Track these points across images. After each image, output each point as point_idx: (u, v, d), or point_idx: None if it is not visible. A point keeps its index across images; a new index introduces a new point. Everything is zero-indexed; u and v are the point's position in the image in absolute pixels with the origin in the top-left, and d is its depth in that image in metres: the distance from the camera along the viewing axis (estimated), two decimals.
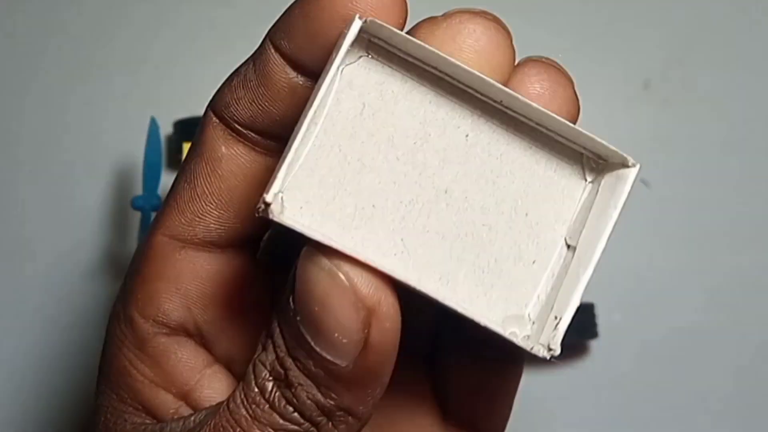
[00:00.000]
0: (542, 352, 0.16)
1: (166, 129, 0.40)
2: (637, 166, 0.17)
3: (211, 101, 0.20)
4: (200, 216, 0.19)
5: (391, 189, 0.17)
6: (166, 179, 0.36)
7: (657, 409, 0.41)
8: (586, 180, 0.17)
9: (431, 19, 0.17)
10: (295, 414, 0.16)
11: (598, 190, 0.17)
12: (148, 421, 0.19)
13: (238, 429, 0.16)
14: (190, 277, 0.19)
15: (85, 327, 0.41)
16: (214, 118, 0.19)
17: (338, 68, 0.16)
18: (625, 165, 0.17)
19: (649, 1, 0.44)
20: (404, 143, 0.17)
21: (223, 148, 0.19)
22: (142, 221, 0.35)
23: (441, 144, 0.17)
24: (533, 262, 0.17)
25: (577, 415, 0.40)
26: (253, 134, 0.19)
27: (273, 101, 0.18)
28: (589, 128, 0.17)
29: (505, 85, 0.17)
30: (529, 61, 0.18)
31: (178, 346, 0.20)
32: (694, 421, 0.41)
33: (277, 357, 0.16)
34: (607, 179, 0.17)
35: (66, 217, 0.42)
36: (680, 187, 0.42)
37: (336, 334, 0.15)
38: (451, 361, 0.21)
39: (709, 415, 0.41)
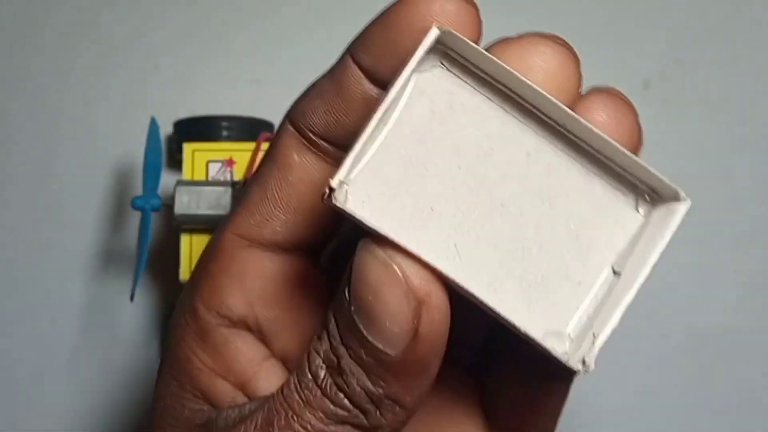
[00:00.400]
0: (578, 366, 0.17)
1: (166, 129, 0.40)
2: (688, 201, 0.17)
3: (288, 110, 0.21)
4: (268, 218, 0.20)
5: (450, 195, 0.17)
6: (166, 179, 0.36)
7: (657, 409, 0.41)
8: (639, 212, 0.18)
9: (505, 39, 0.18)
10: (346, 401, 0.17)
11: (649, 221, 0.18)
12: (205, 408, 0.20)
13: (290, 413, 0.17)
14: (254, 275, 0.20)
15: (86, 327, 0.41)
16: (290, 127, 0.20)
17: (411, 72, 0.17)
18: (676, 198, 0.18)
19: (649, 1, 0.44)
20: (468, 154, 0.17)
21: (295, 156, 0.20)
22: (142, 221, 0.35)
23: (503, 159, 0.17)
24: (579, 283, 0.18)
25: (577, 415, 0.40)
26: (325, 144, 0.20)
27: (347, 112, 0.19)
28: None
29: (572, 105, 0.18)
30: (595, 90, 0.19)
31: (238, 338, 0.20)
32: (695, 420, 0.41)
33: (331, 345, 0.17)
34: (659, 211, 0.18)
35: (66, 217, 0.42)
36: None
37: (387, 323, 0.16)
38: (501, 375, 0.22)
39: (709, 415, 0.41)
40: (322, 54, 0.43)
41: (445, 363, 0.20)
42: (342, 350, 0.17)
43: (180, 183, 0.35)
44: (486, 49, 0.18)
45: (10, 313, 0.41)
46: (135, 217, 0.38)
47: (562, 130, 0.18)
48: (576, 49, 0.18)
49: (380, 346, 0.16)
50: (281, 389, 0.18)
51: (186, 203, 0.35)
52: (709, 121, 0.43)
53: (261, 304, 0.20)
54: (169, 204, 0.35)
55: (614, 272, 0.18)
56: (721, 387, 0.41)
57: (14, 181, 0.42)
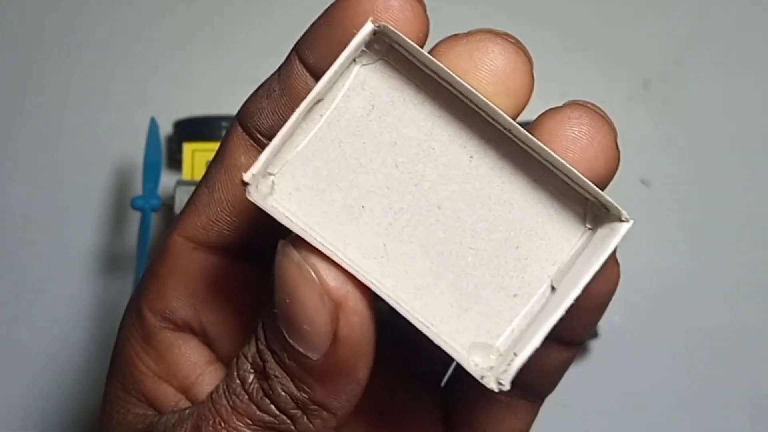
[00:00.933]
0: (492, 385, 0.16)
1: (166, 129, 0.40)
2: (631, 222, 0.16)
3: (238, 110, 0.20)
4: (215, 221, 0.19)
5: (383, 193, 0.17)
6: (166, 179, 0.36)
7: (657, 408, 0.41)
8: (586, 226, 0.17)
9: (454, 36, 0.18)
10: (272, 406, 0.16)
11: (592, 238, 0.17)
12: (149, 413, 0.20)
13: (218, 418, 0.17)
14: (199, 278, 0.20)
15: (85, 326, 0.41)
16: (239, 128, 0.20)
17: (342, 62, 0.16)
18: (619, 218, 0.16)
19: (649, 1, 0.44)
20: (406, 152, 0.17)
21: (242, 157, 0.19)
22: (142, 221, 0.35)
23: (443, 160, 0.17)
24: (514, 295, 0.17)
25: (577, 416, 0.40)
26: None
27: (293, 112, 0.18)
28: None
29: (521, 109, 0.17)
30: (572, 103, 0.18)
31: (182, 341, 0.20)
32: (695, 420, 0.41)
33: (258, 349, 0.17)
34: (602, 229, 0.17)
35: (66, 217, 0.42)
36: (680, 187, 0.42)
37: (305, 326, 0.15)
38: (465, 391, 0.21)
39: (708, 414, 0.41)
40: None
41: (411, 376, 0.20)
42: (267, 354, 0.16)
43: (180, 183, 0.35)
44: (436, 45, 0.18)
45: (11, 313, 0.41)
46: (135, 217, 0.38)
47: (508, 134, 0.17)
48: (529, 50, 0.17)
49: (301, 349, 0.16)
50: (211, 394, 0.18)
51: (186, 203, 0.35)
52: (709, 121, 0.43)
53: (206, 307, 0.20)
54: (169, 204, 0.35)
55: (552, 288, 0.17)
56: (723, 387, 0.41)
57: (15, 181, 0.42)
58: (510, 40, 0.17)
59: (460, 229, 0.17)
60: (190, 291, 0.20)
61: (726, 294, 0.42)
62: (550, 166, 0.17)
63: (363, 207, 0.16)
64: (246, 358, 0.17)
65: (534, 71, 0.17)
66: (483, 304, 0.17)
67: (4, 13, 0.43)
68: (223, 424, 0.17)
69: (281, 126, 0.16)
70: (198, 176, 0.36)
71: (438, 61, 0.16)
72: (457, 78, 0.16)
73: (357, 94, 0.17)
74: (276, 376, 0.16)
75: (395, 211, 0.17)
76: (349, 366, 0.16)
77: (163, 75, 0.43)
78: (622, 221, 0.16)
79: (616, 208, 0.16)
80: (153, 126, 0.36)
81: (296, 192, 0.16)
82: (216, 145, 0.36)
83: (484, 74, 0.17)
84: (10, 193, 0.42)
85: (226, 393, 0.17)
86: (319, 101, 0.17)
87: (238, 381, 0.17)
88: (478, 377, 0.16)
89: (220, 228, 0.19)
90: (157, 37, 0.43)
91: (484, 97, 0.16)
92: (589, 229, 0.17)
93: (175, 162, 0.40)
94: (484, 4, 0.43)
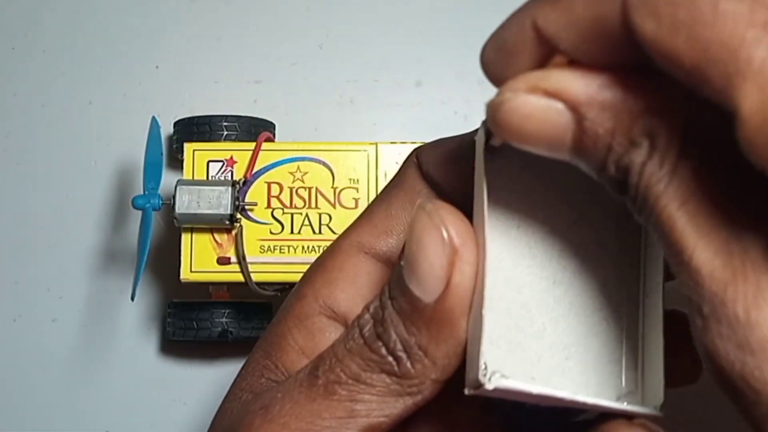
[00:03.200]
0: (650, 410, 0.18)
1: (166, 129, 0.40)
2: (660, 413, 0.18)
3: (418, 147, 0.22)
4: (388, 232, 0.22)
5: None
6: (167, 179, 0.37)
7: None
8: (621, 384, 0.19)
9: None
10: (383, 348, 0.18)
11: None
12: (282, 380, 0.21)
13: (334, 359, 0.19)
14: (366, 279, 0.22)
15: (86, 326, 0.41)
16: (415, 159, 0.22)
17: None
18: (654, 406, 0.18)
19: None
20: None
21: (421, 185, 0.22)
22: (142, 220, 0.36)
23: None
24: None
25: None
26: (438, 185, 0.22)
27: (458, 180, 0.21)
28: None
29: None
30: None
31: (333, 329, 0.22)
32: (694, 419, 0.41)
33: (380, 301, 0.19)
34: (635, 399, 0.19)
35: (67, 217, 0.42)
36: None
37: (425, 267, 0.17)
38: None
39: (708, 413, 0.41)
40: (322, 54, 0.44)
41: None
42: (388, 302, 0.18)
43: (180, 182, 0.35)
44: None
45: (11, 312, 0.42)
46: (136, 217, 0.38)
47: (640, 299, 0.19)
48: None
49: (417, 293, 0.18)
50: (333, 343, 0.20)
51: (186, 203, 0.35)
52: None
53: (364, 305, 0.22)
54: (169, 203, 0.35)
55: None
56: None
57: (15, 180, 0.42)
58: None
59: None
60: (356, 287, 0.22)
61: None
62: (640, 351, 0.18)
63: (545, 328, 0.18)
64: (368, 309, 0.19)
65: None
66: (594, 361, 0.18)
67: (4, 12, 0.43)
68: (336, 363, 0.19)
69: (448, 184, 0.20)
70: (199, 176, 0.36)
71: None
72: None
73: None
74: (391, 321, 0.18)
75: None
76: (455, 317, 0.18)
77: (164, 75, 0.43)
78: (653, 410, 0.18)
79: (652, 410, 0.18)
80: (154, 125, 0.36)
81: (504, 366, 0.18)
82: (216, 145, 0.37)
83: None
84: (10, 193, 0.42)
85: (345, 338, 0.19)
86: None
87: (357, 328, 0.19)
88: (641, 411, 0.18)
89: (390, 240, 0.22)
90: (158, 37, 0.43)
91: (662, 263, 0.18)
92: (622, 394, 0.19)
93: (175, 162, 0.40)
94: (483, 4, 0.43)
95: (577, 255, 0.19)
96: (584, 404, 0.17)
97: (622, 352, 0.18)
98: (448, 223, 0.17)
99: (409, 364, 0.18)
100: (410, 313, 0.18)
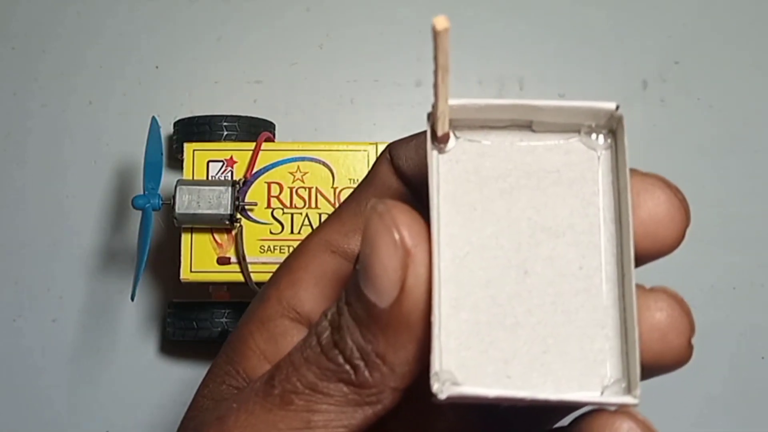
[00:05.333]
0: (628, 399, 0.17)
1: (166, 129, 0.40)
2: (636, 402, 0.17)
3: (389, 145, 0.22)
4: (357, 230, 0.21)
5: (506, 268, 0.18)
6: (167, 179, 0.37)
7: (655, 407, 0.41)
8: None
9: (631, 170, 0.19)
10: (340, 357, 0.18)
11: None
12: (244, 386, 0.21)
13: (291, 368, 0.18)
14: (332, 279, 0.21)
15: (86, 326, 0.41)
16: (389, 156, 0.22)
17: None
18: (629, 392, 0.18)
19: (648, 2, 0.44)
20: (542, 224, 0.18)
21: (394, 181, 0.22)
22: (142, 220, 0.36)
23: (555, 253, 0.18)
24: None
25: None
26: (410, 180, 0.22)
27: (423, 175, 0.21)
28: None
29: (659, 257, 0.18)
30: (660, 289, 0.19)
31: (296, 332, 0.21)
32: (693, 419, 0.41)
33: (338, 307, 0.18)
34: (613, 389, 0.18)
35: (67, 217, 0.42)
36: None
37: (378, 271, 0.17)
38: None
39: (707, 413, 0.41)
40: (322, 54, 0.44)
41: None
42: (344, 308, 0.18)
43: (180, 182, 0.35)
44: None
45: (11, 312, 0.42)
46: (136, 217, 0.38)
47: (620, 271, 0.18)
48: (688, 208, 0.19)
49: (372, 298, 0.17)
50: (290, 351, 0.19)
51: (186, 203, 0.35)
52: (707, 121, 0.43)
53: (329, 305, 0.21)
54: (169, 203, 0.35)
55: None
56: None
57: (16, 180, 0.42)
58: (678, 195, 0.19)
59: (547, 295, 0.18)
60: (320, 288, 0.21)
61: (725, 292, 0.42)
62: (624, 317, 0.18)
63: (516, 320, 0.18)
64: (326, 315, 0.18)
65: (686, 229, 0.19)
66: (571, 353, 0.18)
67: (4, 12, 0.43)
68: (293, 372, 0.18)
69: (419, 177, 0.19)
70: (199, 176, 0.36)
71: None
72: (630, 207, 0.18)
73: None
74: (348, 327, 0.18)
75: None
76: (412, 320, 0.17)
77: (164, 75, 0.43)
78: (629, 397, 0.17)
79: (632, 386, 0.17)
80: (154, 126, 0.36)
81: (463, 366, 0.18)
82: (216, 145, 0.37)
83: (641, 214, 0.18)
84: (11, 193, 0.42)
85: (302, 346, 0.18)
86: None
87: (314, 336, 0.18)
88: (618, 402, 0.17)
89: (359, 238, 0.21)
90: (158, 37, 0.43)
91: (633, 237, 0.17)
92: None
93: (175, 161, 0.40)
94: (483, 4, 0.43)
95: (548, 241, 0.18)
96: (547, 401, 0.17)
97: (605, 339, 0.17)
98: (400, 223, 0.17)
99: (366, 373, 0.18)
100: (366, 319, 0.17)
